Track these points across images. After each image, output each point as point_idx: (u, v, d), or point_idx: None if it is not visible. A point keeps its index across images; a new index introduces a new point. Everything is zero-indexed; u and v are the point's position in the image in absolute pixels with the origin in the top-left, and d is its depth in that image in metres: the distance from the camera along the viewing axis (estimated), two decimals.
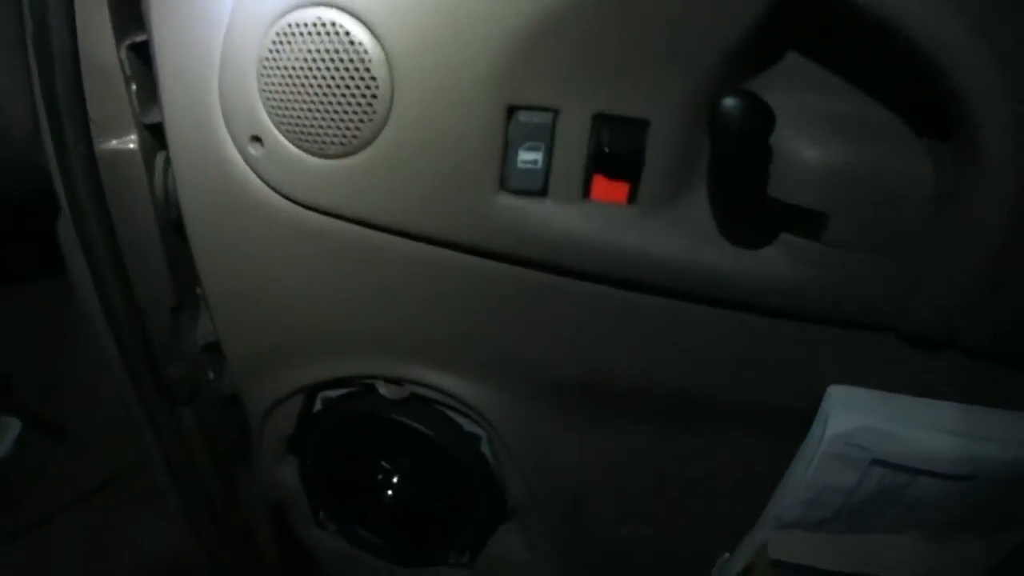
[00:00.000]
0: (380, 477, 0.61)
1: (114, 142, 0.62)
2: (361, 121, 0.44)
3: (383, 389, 0.56)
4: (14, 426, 0.72)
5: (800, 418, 0.52)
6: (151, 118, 0.62)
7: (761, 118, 0.42)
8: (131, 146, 0.62)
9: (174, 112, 0.51)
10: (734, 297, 0.47)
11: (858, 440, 0.49)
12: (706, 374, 0.51)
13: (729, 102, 0.42)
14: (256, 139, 0.48)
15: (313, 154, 0.47)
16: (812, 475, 0.51)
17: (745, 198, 0.44)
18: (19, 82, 0.60)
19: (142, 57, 0.60)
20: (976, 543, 0.57)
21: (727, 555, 0.60)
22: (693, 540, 0.60)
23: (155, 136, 0.63)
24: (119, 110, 0.61)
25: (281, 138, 0.47)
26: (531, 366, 0.52)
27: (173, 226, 0.67)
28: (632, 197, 0.46)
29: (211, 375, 0.74)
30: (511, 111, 0.43)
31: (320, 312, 0.54)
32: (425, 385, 0.54)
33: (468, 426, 0.57)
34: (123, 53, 0.59)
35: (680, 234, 0.46)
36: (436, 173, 0.45)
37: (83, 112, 0.59)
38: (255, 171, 0.49)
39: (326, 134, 0.46)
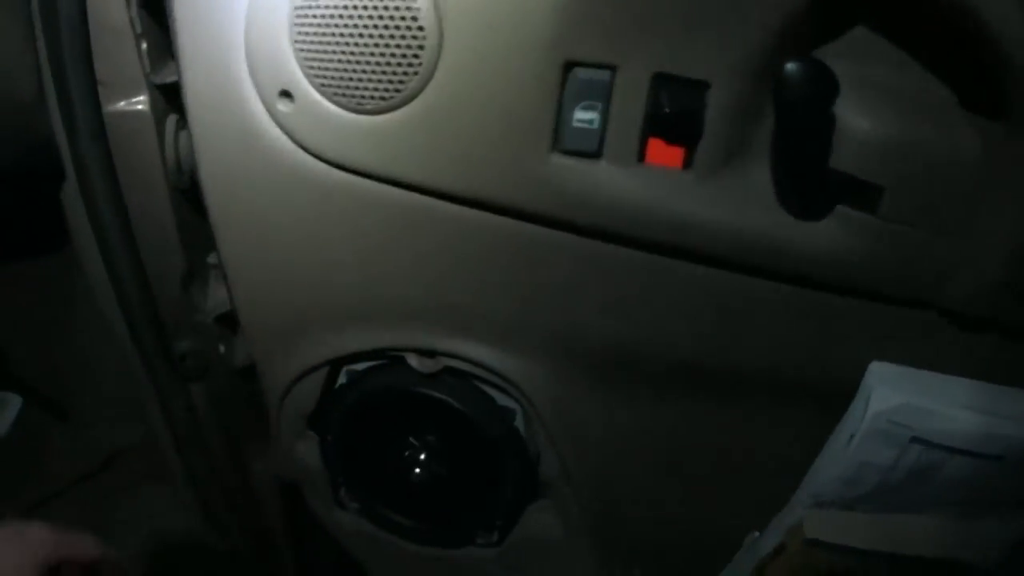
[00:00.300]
0: (406, 454, 0.59)
1: (123, 103, 0.58)
2: (405, 74, 0.41)
3: (415, 362, 0.53)
4: (14, 403, 0.68)
5: (837, 395, 0.51)
6: (162, 78, 0.59)
7: (825, 84, 0.40)
8: (141, 107, 0.59)
9: (193, 67, 0.48)
10: (786, 268, 0.45)
11: (900, 418, 0.48)
12: (749, 348, 0.49)
13: (795, 66, 0.40)
14: (285, 94, 0.45)
15: (349, 109, 0.44)
16: (853, 452, 0.49)
17: (809, 167, 0.42)
18: (23, 44, 0.56)
19: (153, 13, 0.56)
20: (996, 522, 0.56)
21: (756, 534, 0.59)
22: (722, 518, 0.59)
23: (166, 97, 0.59)
24: (128, 70, 0.57)
25: (314, 92, 0.44)
26: (573, 337, 0.50)
27: (184, 192, 0.64)
28: (688, 162, 0.43)
29: (222, 348, 0.70)
30: (568, 67, 0.40)
31: (351, 280, 0.51)
32: (461, 358, 0.52)
33: (501, 400, 0.55)
34: (133, 10, 0.56)
35: (735, 202, 0.44)
36: (484, 132, 0.43)
37: (90, 72, 0.55)
38: (283, 128, 0.46)
39: (365, 88, 0.43)
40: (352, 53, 0.42)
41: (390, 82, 0.42)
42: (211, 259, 0.71)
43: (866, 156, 0.42)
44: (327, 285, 0.52)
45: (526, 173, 0.43)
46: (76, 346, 0.72)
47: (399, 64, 0.41)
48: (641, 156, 0.43)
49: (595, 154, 0.43)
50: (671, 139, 0.43)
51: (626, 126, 0.42)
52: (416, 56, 0.41)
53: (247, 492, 0.74)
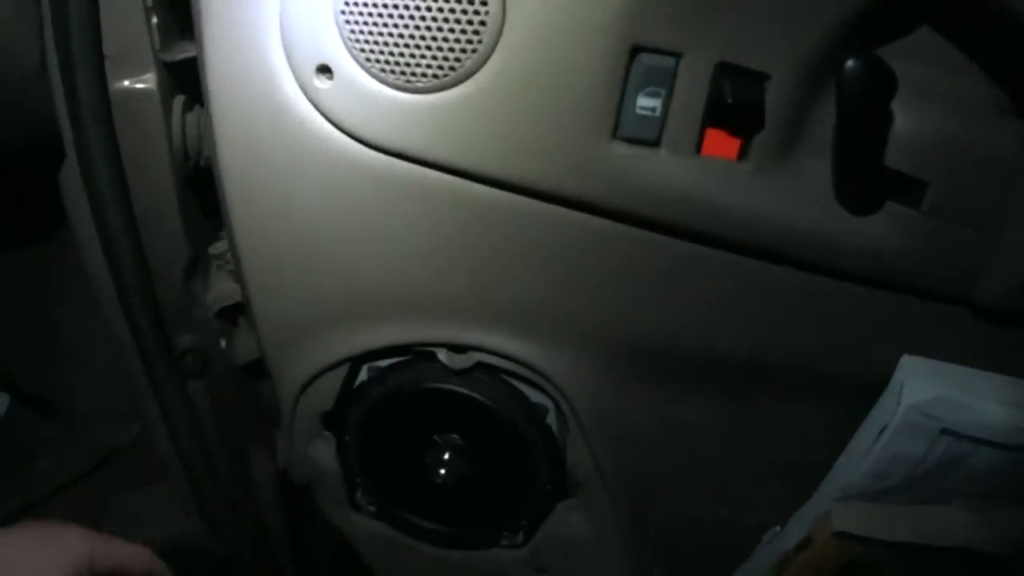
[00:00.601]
0: (430, 454, 0.56)
1: (129, 80, 0.54)
2: (463, 51, 0.39)
3: (445, 358, 0.51)
4: (2, 401, 0.62)
5: (864, 390, 0.51)
6: (172, 55, 0.55)
7: (887, 81, 0.41)
8: (148, 85, 0.55)
9: (217, 39, 0.44)
10: (834, 262, 0.45)
11: (932, 411, 0.48)
12: (790, 342, 0.49)
13: (860, 61, 0.40)
14: (324, 70, 0.42)
15: (396, 87, 0.41)
16: (884, 445, 0.50)
17: (868, 162, 0.42)
18: (26, 12, 0.52)
19: None
20: (1016, 513, 0.57)
21: (777, 528, 0.59)
22: (747, 515, 0.58)
23: (174, 77, 0.56)
24: (137, 45, 0.53)
25: (357, 68, 0.41)
26: (615, 331, 0.48)
27: (189, 177, 0.60)
28: (743, 154, 0.43)
29: (223, 344, 0.66)
30: (633, 52, 0.39)
31: (383, 271, 0.48)
32: (496, 353, 0.50)
33: (534, 397, 0.53)
34: None
35: (787, 195, 0.44)
36: (543, 115, 0.41)
37: (98, 45, 0.51)
38: (318, 107, 0.43)
39: (417, 64, 0.40)
40: (406, 26, 0.39)
41: (445, 59, 0.40)
42: (213, 250, 0.67)
43: (913, 153, 0.43)
44: (355, 276, 0.49)
45: (585, 159, 0.41)
46: (66, 341, 0.67)
47: (457, 40, 0.39)
48: (698, 147, 0.42)
49: (655, 142, 0.42)
50: (731, 130, 0.42)
51: (687, 115, 0.41)
52: (476, 32, 0.39)
53: (247, 494, 0.70)
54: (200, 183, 0.62)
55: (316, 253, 0.49)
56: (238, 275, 0.54)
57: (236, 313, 0.68)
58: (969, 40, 0.43)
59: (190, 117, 0.59)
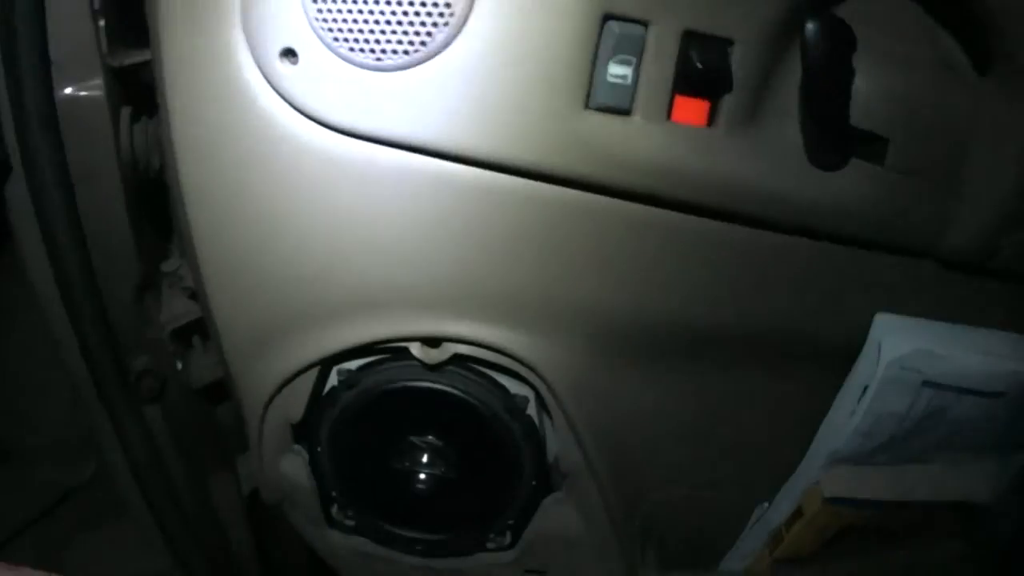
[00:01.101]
0: (408, 459, 0.53)
1: (75, 87, 0.52)
2: (434, 24, 0.39)
3: (418, 352, 0.48)
4: None
5: (844, 353, 0.51)
6: (119, 60, 0.53)
7: (846, 40, 0.42)
8: (96, 92, 0.52)
9: (174, 25, 0.42)
10: (806, 221, 0.46)
11: (912, 364, 0.49)
12: (765, 306, 0.49)
13: (819, 22, 0.41)
14: (288, 53, 0.41)
15: (365, 67, 0.40)
16: (869, 404, 0.50)
17: (834, 117, 0.43)
18: None
19: None
20: (995, 464, 0.58)
21: (765, 505, 0.58)
22: (735, 493, 0.58)
23: (122, 83, 0.53)
24: (83, 50, 0.51)
25: (323, 49, 0.40)
26: (595, 310, 0.47)
27: (139, 190, 0.57)
28: (712, 119, 0.43)
29: (179, 365, 0.63)
30: (604, 20, 0.39)
31: (354, 263, 0.46)
32: (471, 343, 0.48)
33: (513, 388, 0.51)
34: None
35: (757, 157, 0.44)
36: (515, 87, 0.40)
37: (44, 51, 0.49)
38: (282, 93, 0.41)
39: (387, 41, 0.39)
40: (376, 1, 0.38)
41: (416, 33, 0.39)
42: (165, 267, 0.64)
43: (874, 111, 0.44)
44: (323, 272, 0.46)
45: (559, 130, 0.41)
46: (13, 372, 0.62)
47: (428, 13, 0.38)
48: (669, 114, 0.42)
49: (627, 110, 0.41)
50: (698, 95, 0.42)
51: (657, 82, 0.41)
52: (448, 4, 0.38)
53: (213, 523, 0.66)
54: (150, 198, 0.60)
55: (280, 250, 0.46)
56: (195, 281, 0.51)
57: (191, 333, 0.64)
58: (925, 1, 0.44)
59: (138, 127, 0.57)
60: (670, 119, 0.42)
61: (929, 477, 0.56)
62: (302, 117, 0.42)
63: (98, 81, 0.52)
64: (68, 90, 0.51)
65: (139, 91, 0.57)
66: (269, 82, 0.41)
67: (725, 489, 0.57)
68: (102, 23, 0.51)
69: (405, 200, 0.44)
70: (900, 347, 0.49)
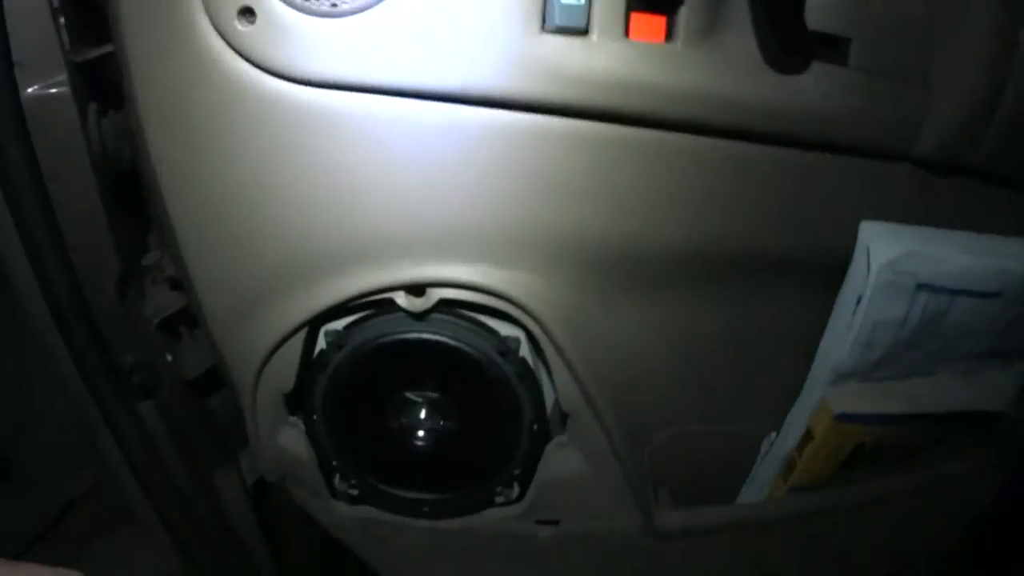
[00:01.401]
0: (404, 418, 0.53)
1: (41, 85, 0.53)
2: None
3: (403, 301, 0.48)
4: None
5: (833, 266, 0.51)
6: (82, 55, 0.54)
7: None
8: (61, 89, 0.53)
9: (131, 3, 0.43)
10: (773, 128, 0.46)
11: (904, 267, 0.49)
12: (744, 221, 0.49)
13: None
14: (245, 12, 0.41)
15: (322, 15, 0.41)
16: (865, 312, 0.50)
17: (787, 17, 0.43)
18: None
19: None
20: (998, 374, 0.58)
21: (773, 435, 0.58)
22: (740, 423, 0.57)
23: (86, 78, 0.54)
24: (45, 48, 0.52)
25: (279, 3, 0.41)
26: (574, 239, 0.47)
27: (112, 184, 0.57)
28: (670, 35, 0.43)
29: (169, 358, 0.63)
30: None
31: (330, 215, 0.46)
32: (456, 285, 0.48)
33: (503, 331, 0.51)
34: None
35: (718, 68, 0.44)
36: (472, 17, 0.41)
37: (6, 51, 0.49)
38: (242, 53, 0.42)
39: None
40: None
41: None
42: (145, 261, 0.64)
43: (832, 13, 0.45)
44: (299, 227, 0.47)
45: (519, 56, 0.41)
46: (4, 388, 0.62)
47: None
48: (625, 31, 0.43)
49: (584, 30, 0.42)
50: (654, 10, 0.43)
51: (610, 0, 0.42)
52: None
53: (218, 517, 0.65)
54: (124, 192, 0.60)
55: (256, 211, 0.46)
56: (174, 256, 0.51)
57: (177, 324, 0.65)
58: None
59: (106, 121, 0.57)
60: (628, 36, 0.43)
61: (936, 388, 0.56)
62: (265, 74, 0.42)
63: (63, 77, 0.53)
64: (34, 89, 0.52)
65: (103, 85, 0.58)
66: (229, 43, 0.42)
67: (731, 422, 0.57)
68: (62, 20, 0.52)
69: (374, 145, 0.44)
70: (889, 251, 0.49)
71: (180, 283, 0.63)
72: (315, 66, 0.42)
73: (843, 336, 0.51)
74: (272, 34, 0.41)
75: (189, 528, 0.62)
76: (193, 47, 0.43)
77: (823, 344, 0.53)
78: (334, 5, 0.41)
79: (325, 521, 0.58)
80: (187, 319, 0.64)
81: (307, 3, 0.41)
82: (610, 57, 0.42)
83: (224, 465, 0.67)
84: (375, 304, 0.50)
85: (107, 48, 0.55)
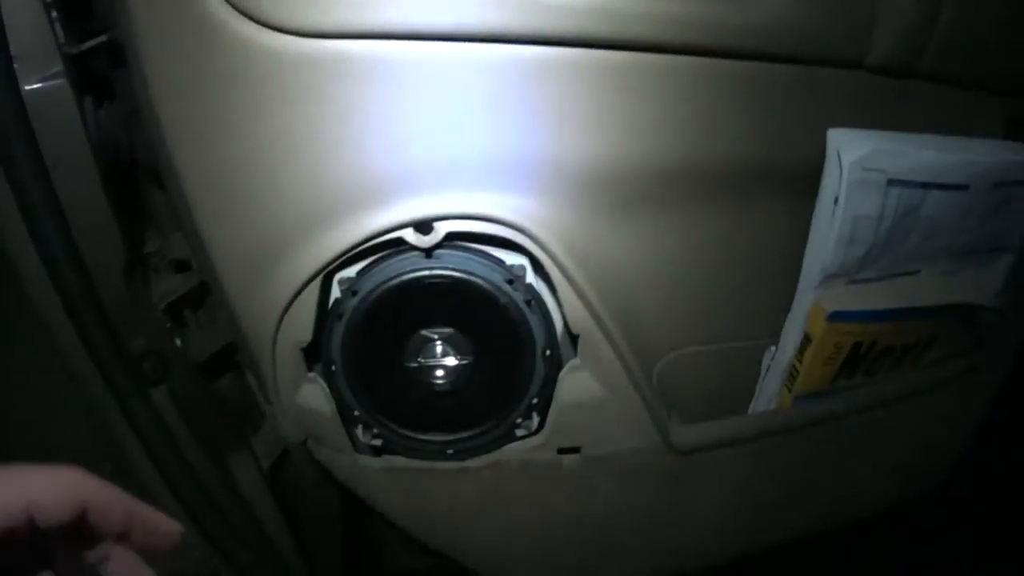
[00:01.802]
0: (423, 356, 0.55)
1: (39, 78, 0.56)
2: None
3: (412, 238, 0.51)
4: None
5: (812, 174, 0.56)
6: (77, 47, 0.57)
7: None
8: (59, 81, 0.56)
9: None
10: (736, 43, 0.50)
11: (873, 163, 0.54)
12: (723, 134, 0.53)
13: None
14: None
15: None
16: (843, 209, 0.54)
17: None
18: None
19: None
20: (977, 270, 0.63)
21: (773, 349, 0.61)
22: (745, 341, 0.60)
23: (81, 69, 0.57)
24: (40, 42, 0.55)
25: None
26: (565, 162, 0.51)
27: (112, 172, 0.60)
28: None
29: (178, 342, 0.64)
30: None
31: (335, 161, 0.49)
32: (461, 216, 0.51)
33: (510, 259, 0.54)
34: None
35: None
36: None
37: (5, 49, 0.52)
38: (248, 14, 0.45)
39: None
40: None
41: None
42: (148, 249, 0.66)
43: None
44: (306, 176, 0.50)
45: None
46: (14, 386, 0.62)
47: None
48: None
49: None
50: None
51: None
52: None
53: (237, 499, 0.66)
54: (122, 182, 0.62)
55: (263, 165, 0.49)
56: (185, 220, 0.54)
57: (182, 308, 0.66)
58: None
59: (103, 112, 0.60)
60: None
61: (921, 284, 0.60)
62: (268, 30, 0.46)
63: (59, 70, 0.55)
64: (32, 82, 0.55)
65: (99, 72, 0.61)
66: (235, 7, 0.45)
67: (733, 339, 0.60)
68: (54, 14, 0.56)
69: (375, 87, 0.47)
70: (858, 151, 0.54)
71: (184, 266, 0.66)
72: (319, 18, 0.45)
73: (826, 235, 0.55)
74: None
75: (209, 511, 0.63)
76: (199, 14, 0.46)
77: (809, 247, 0.57)
78: None
79: (350, 477, 0.60)
80: (192, 302, 0.66)
81: None
82: None
83: (238, 449, 0.68)
84: (384, 247, 0.53)
85: (99, 39, 0.58)
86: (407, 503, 0.61)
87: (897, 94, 0.57)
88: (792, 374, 0.60)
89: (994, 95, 0.63)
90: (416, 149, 0.49)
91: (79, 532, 0.32)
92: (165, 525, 0.35)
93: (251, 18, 0.45)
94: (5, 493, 0.29)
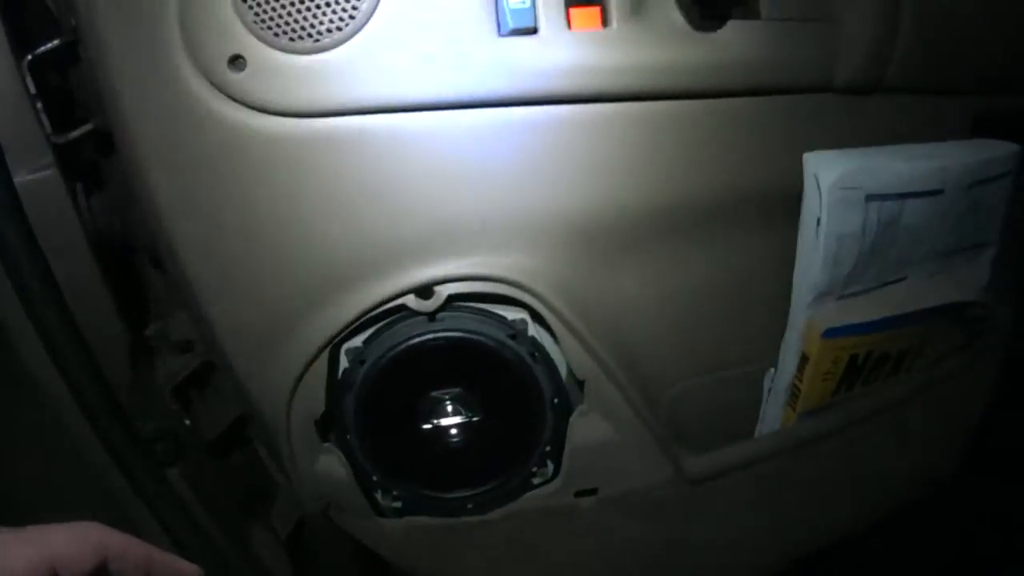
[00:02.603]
0: (435, 416, 0.58)
1: (29, 170, 0.58)
2: None
3: (414, 303, 0.54)
4: None
5: (792, 202, 0.59)
6: (63, 137, 0.59)
7: None
8: (50, 171, 0.58)
9: (125, 74, 0.49)
10: (706, 83, 0.54)
11: (850, 182, 0.57)
12: (704, 171, 0.56)
13: None
14: (235, 60, 0.48)
15: (307, 51, 0.48)
16: (826, 230, 0.57)
17: None
18: None
19: (44, 70, 0.58)
20: (964, 268, 0.67)
21: (772, 370, 0.64)
22: (746, 367, 0.64)
23: (70, 157, 0.60)
24: (28, 134, 0.57)
25: (266, 48, 0.48)
26: (558, 214, 0.54)
27: (109, 258, 0.62)
28: (605, 20, 0.52)
29: (187, 422, 0.66)
30: None
31: (335, 236, 0.52)
32: (460, 279, 0.54)
33: (509, 315, 0.57)
34: (24, 70, 0.57)
35: (650, 40, 0.52)
36: (439, 33, 0.49)
37: None
38: (238, 98, 0.49)
39: (320, 22, 0.47)
40: None
41: (343, 9, 0.47)
42: (149, 331, 0.68)
43: None
44: (307, 254, 0.53)
45: (483, 58, 0.49)
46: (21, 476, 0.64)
47: None
48: (568, 24, 0.51)
49: (533, 30, 0.50)
50: (588, 2, 0.51)
51: (550, 2, 0.50)
52: None
53: (258, 570, 0.68)
54: (118, 267, 0.65)
55: (264, 246, 0.52)
56: (190, 304, 0.56)
57: (189, 388, 0.68)
58: None
59: (94, 199, 0.63)
60: (571, 28, 0.51)
61: (909, 290, 0.64)
62: (260, 113, 0.49)
63: (49, 160, 0.58)
64: (24, 174, 0.57)
65: (89, 160, 0.64)
66: (223, 92, 0.48)
67: (733, 367, 0.63)
68: (40, 105, 0.58)
69: (367, 160, 0.51)
70: (834, 172, 0.57)
71: (187, 346, 0.68)
72: (307, 99, 0.49)
73: (812, 256, 0.59)
74: (264, 77, 0.48)
75: None
76: (188, 101, 0.49)
77: (797, 269, 0.60)
78: (316, 41, 0.48)
79: (374, 542, 0.62)
80: (197, 382, 0.68)
81: (292, 44, 0.48)
82: (559, 49, 0.51)
83: (256, 521, 0.70)
84: (388, 313, 0.56)
85: (86, 128, 0.60)
86: (432, 560, 0.63)
87: (867, 111, 0.60)
88: (794, 393, 0.63)
89: (959, 95, 0.67)
90: (411, 217, 0.53)
91: None
92: (184, 569, 0.37)
93: (238, 101, 0.49)
94: (29, 551, 0.31)
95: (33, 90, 0.57)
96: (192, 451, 0.66)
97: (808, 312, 0.61)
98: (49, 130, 0.58)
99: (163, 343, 0.67)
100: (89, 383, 0.59)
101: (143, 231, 0.62)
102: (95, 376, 0.59)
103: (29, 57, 0.56)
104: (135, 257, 0.68)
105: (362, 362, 0.56)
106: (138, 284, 0.68)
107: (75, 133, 0.59)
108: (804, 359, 0.62)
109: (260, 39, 0.47)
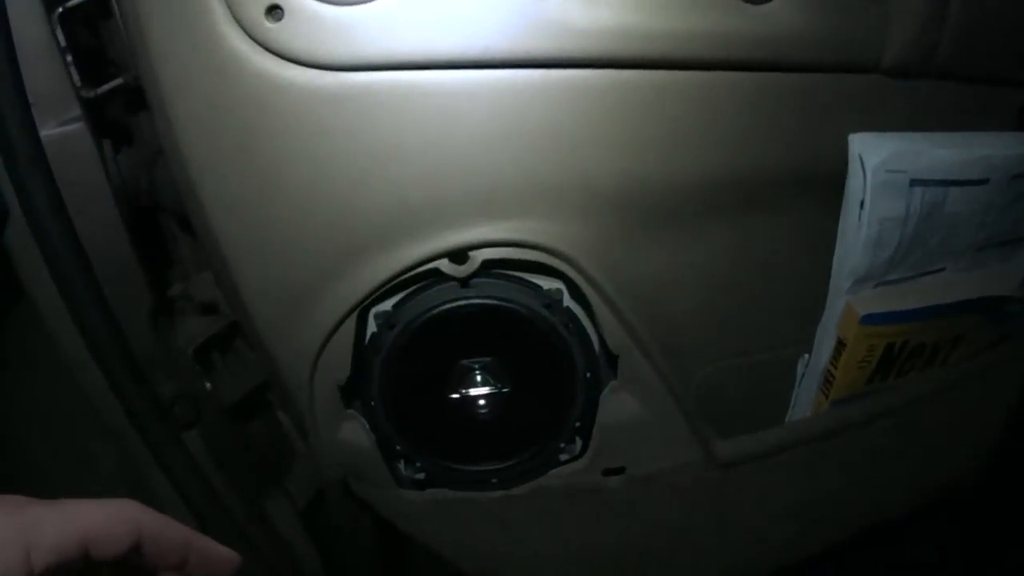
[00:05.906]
0: (463, 385, 0.57)
1: (58, 124, 0.57)
2: None
3: (448, 268, 0.53)
4: None
5: (836, 182, 0.58)
6: (92, 91, 0.58)
7: None
8: (78, 126, 0.57)
9: (157, 20, 0.48)
10: (753, 55, 0.52)
11: (895, 165, 0.56)
12: (748, 146, 0.55)
13: None
14: (273, 9, 0.46)
15: (347, 2, 0.46)
16: (868, 213, 0.56)
17: None
18: None
19: (74, 24, 0.56)
20: (1001, 264, 0.65)
21: (807, 356, 0.63)
22: (780, 352, 0.62)
23: (99, 112, 0.59)
24: (58, 87, 0.56)
25: None
26: (604, 184, 0.53)
27: (134, 215, 0.61)
28: None
29: (208, 386, 0.65)
30: None
31: (368, 194, 0.51)
32: (495, 244, 0.53)
33: (545, 284, 0.56)
34: (54, 22, 0.56)
35: (702, 6, 0.51)
36: None
37: (23, 95, 0.53)
38: (274, 49, 0.47)
39: None
40: None
41: None
42: (172, 292, 0.67)
43: None
44: (340, 212, 0.51)
45: (531, 16, 0.47)
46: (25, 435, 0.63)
47: None
48: None
49: None
50: None
51: None
52: None
53: (275, 541, 0.67)
54: (144, 225, 0.63)
55: (295, 203, 0.51)
56: (216, 263, 0.55)
57: (211, 350, 0.67)
58: None
59: (121, 156, 0.61)
60: None
61: (947, 282, 0.63)
62: (297, 66, 0.47)
63: (77, 114, 0.57)
64: (52, 127, 0.56)
65: (117, 115, 0.62)
66: (260, 42, 0.47)
67: (767, 351, 0.62)
68: (70, 58, 0.57)
69: (406, 118, 0.49)
70: (879, 154, 0.56)
71: (211, 307, 0.67)
72: (345, 51, 0.47)
73: (854, 239, 0.58)
74: (302, 27, 0.47)
75: (248, 553, 0.64)
76: (222, 52, 0.47)
77: (838, 252, 0.59)
78: None
79: (393, 512, 0.61)
80: (219, 345, 0.67)
81: None
82: (607, 10, 0.49)
83: (273, 490, 0.69)
84: (420, 278, 0.54)
85: (116, 82, 0.59)
86: (452, 535, 0.62)
87: (913, 95, 0.59)
88: (828, 379, 0.62)
89: (1007, 86, 0.66)
90: (447, 179, 0.51)
91: (134, 565, 0.32)
92: (222, 554, 0.36)
93: (274, 52, 0.47)
94: (60, 527, 0.29)
95: (63, 43, 0.56)
96: (211, 415, 0.65)
97: (847, 296, 0.60)
98: (79, 84, 0.57)
99: (186, 304, 0.66)
100: (108, 342, 0.58)
101: (170, 189, 0.61)
102: (114, 334, 0.58)
103: (60, 10, 0.56)
104: (161, 216, 0.67)
105: (391, 327, 0.55)
106: (163, 243, 0.67)
107: (105, 88, 0.58)
108: (840, 344, 0.61)
109: None
